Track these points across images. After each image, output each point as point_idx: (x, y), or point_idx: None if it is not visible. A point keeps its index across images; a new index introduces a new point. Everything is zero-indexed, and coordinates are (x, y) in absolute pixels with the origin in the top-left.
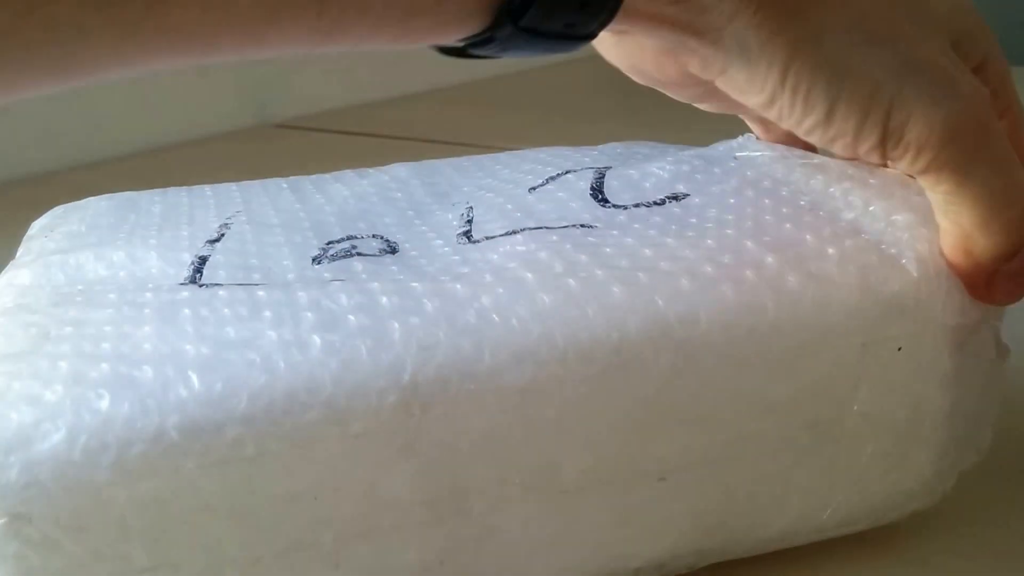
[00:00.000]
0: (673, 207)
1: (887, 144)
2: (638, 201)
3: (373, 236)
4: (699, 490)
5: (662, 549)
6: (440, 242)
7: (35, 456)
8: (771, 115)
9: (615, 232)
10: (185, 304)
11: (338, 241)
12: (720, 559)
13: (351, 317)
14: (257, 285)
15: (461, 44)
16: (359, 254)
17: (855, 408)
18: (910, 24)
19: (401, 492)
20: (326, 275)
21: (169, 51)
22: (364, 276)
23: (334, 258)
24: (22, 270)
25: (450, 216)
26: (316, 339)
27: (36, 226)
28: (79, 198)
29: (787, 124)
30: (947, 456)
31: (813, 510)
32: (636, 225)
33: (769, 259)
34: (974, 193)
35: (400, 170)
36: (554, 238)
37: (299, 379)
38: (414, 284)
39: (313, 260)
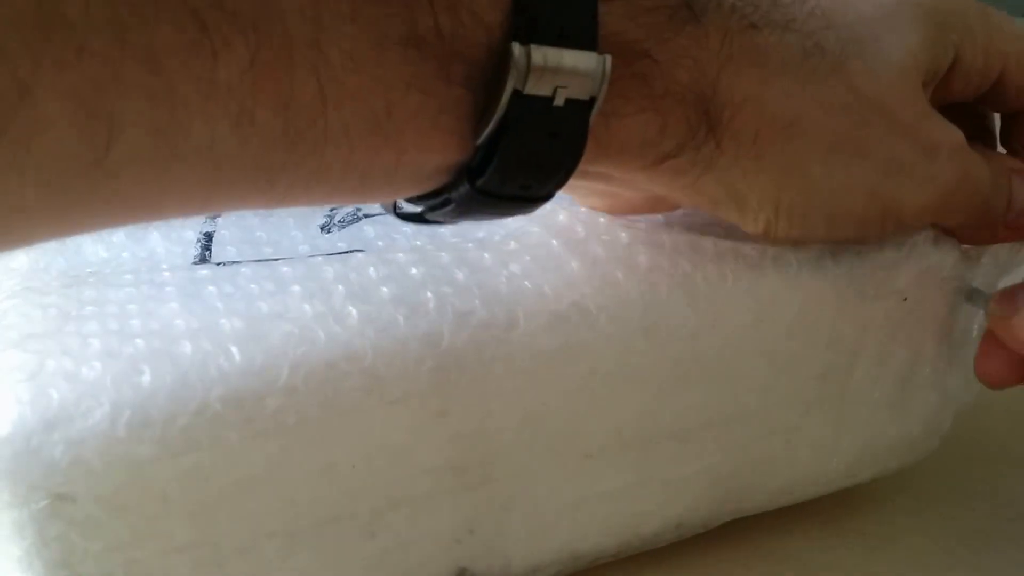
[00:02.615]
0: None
1: (888, 230)
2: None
3: None
4: (716, 448)
5: (680, 508)
6: None
7: (78, 434)
8: (768, 240)
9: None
10: (208, 282)
11: (342, 208)
12: (732, 517)
13: (383, 288)
14: (279, 260)
15: (419, 209)
16: (366, 216)
17: (862, 359)
18: (880, 122)
19: (433, 458)
20: (340, 244)
21: (110, 218)
22: (380, 243)
23: (342, 224)
24: (17, 254)
25: None
26: (352, 310)
27: None
28: None
29: (784, 243)
30: (946, 401)
31: (821, 461)
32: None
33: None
34: (963, 221)
35: None
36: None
37: (338, 348)
38: (440, 253)
39: (321, 228)
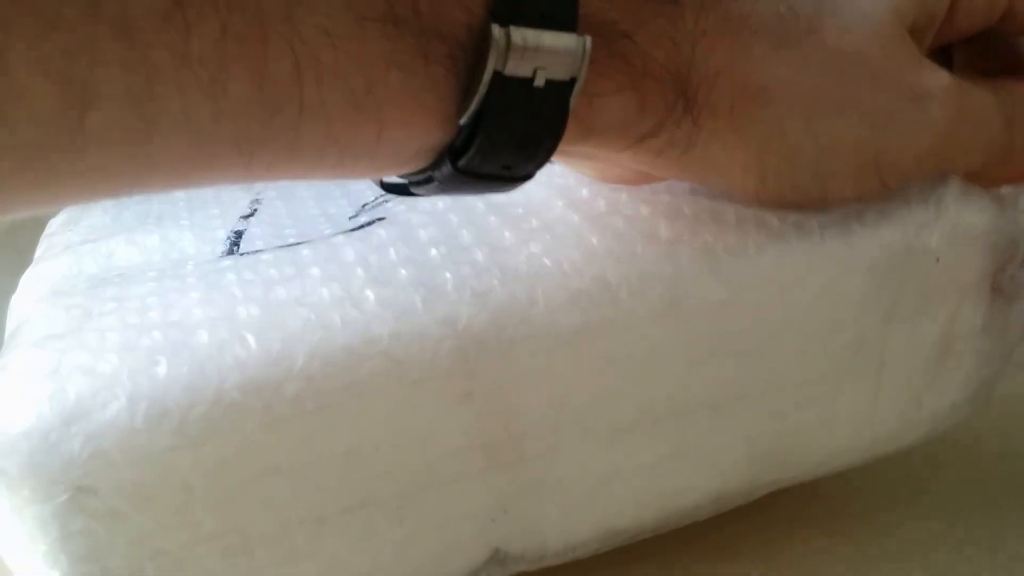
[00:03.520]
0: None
1: (889, 182)
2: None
3: None
4: (750, 419)
5: (718, 481)
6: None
7: (96, 426)
8: (761, 207)
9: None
10: (228, 271)
11: (373, 200)
12: (772, 488)
13: (402, 271)
14: (300, 244)
15: (404, 181)
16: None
17: (896, 325)
18: (860, 75)
19: (460, 439)
20: (362, 219)
21: (91, 191)
22: (403, 207)
23: (370, 207)
24: (51, 262)
25: None
26: (369, 294)
27: (55, 223)
28: None
29: (780, 209)
30: (986, 367)
31: (860, 429)
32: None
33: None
34: (972, 164)
35: None
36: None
37: (355, 333)
38: (462, 232)
39: (351, 220)
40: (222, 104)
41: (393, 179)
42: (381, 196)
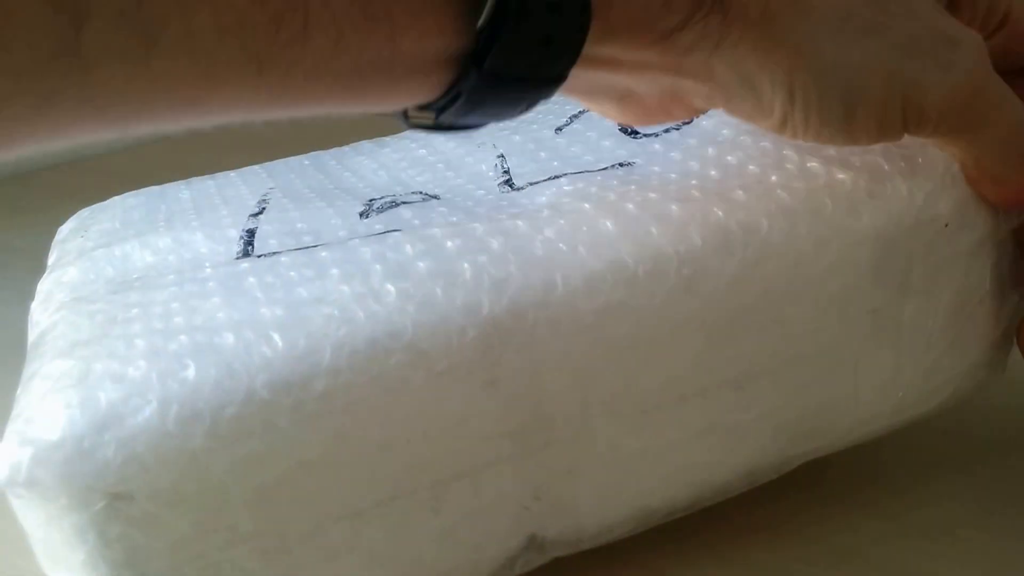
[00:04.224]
0: (702, 122)
1: (910, 125)
2: (667, 126)
3: (412, 192)
4: (776, 392)
5: (747, 456)
6: (482, 192)
7: (129, 432)
8: (786, 134)
9: (656, 167)
10: (248, 274)
11: (380, 198)
12: (804, 460)
13: (420, 264)
14: (317, 246)
15: (431, 115)
16: (404, 202)
17: (911, 290)
18: (897, 5)
19: (489, 427)
20: (377, 226)
21: (97, 119)
22: (417, 222)
23: (380, 210)
24: (67, 268)
25: (484, 167)
26: (390, 287)
27: (64, 230)
28: (109, 183)
29: (804, 138)
30: (1000, 324)
31: (886, 396)
32: (674, 153)
33: (814, 163)
34: (989, 142)
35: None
36: (598, 178)
37: (379, 326)
38: (475, 224)
39: (360, 215)
40: (224, 19)
41: (419, 119)
42: (388, 196)
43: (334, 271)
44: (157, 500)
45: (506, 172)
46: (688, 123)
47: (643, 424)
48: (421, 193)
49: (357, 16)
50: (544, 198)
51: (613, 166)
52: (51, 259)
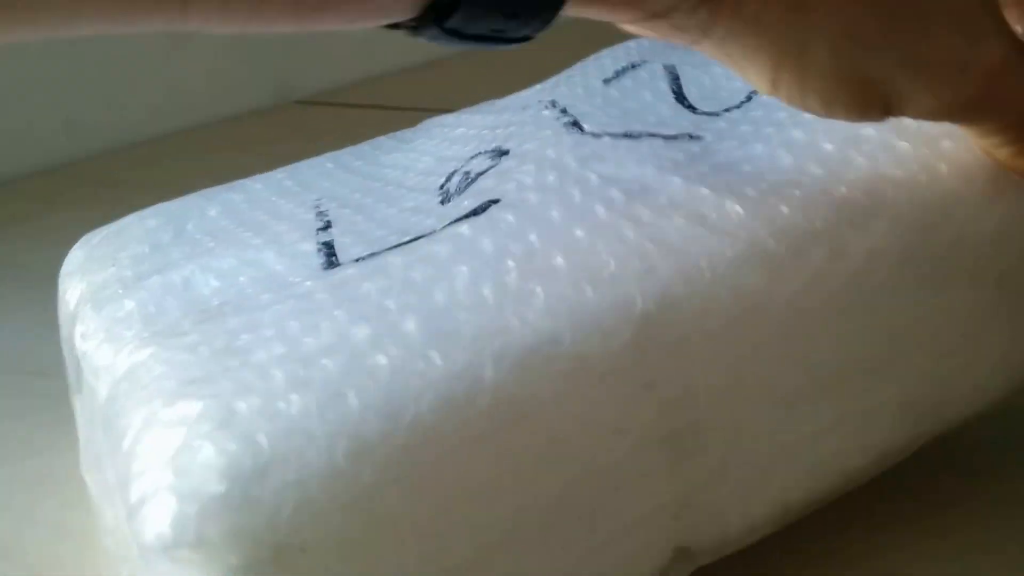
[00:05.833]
0: (760, 99)
1: (892, 117)
2: (726, 106)
3: (476, 157)
4: (908, 372)
5: (879, 438)
6: (549, 132)
7: (296, 474)
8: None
9: (734, 142)
10: (358, 280)
11: (447, 179)
12: (927, 439)
13: (558, 259)
14: (418, 239)
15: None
16: (479, 173)
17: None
18: (915, 19)
19: (645, 432)
20: (466, 203)
21: (24, 20)
22: (511, 186)
23: (459, 190)
24: (120, 303)
25: (547, 113)
26: (537, 289)
27: (74, 260)
28: (102, 188)
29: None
30: None
31: (999, 367)
32: (744, 127)
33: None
34: (993, 134)
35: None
36: (681, 153)
37: (534, 334)
38: (596, 207)
39: (440, 202)
40: None
41: None
42: (454, 173)
43: (463, 268)
44: (331, 550)
45: (564, 112)
46: (747, 100)
47: (786, 418)
48: (487, 152)
49: None
50: (632, 163)
51: (681, 136)
52: (70, 293)
